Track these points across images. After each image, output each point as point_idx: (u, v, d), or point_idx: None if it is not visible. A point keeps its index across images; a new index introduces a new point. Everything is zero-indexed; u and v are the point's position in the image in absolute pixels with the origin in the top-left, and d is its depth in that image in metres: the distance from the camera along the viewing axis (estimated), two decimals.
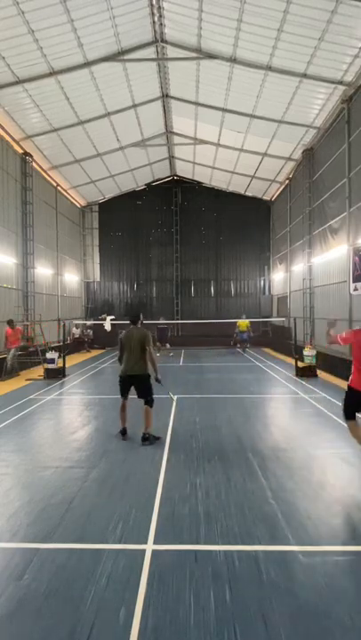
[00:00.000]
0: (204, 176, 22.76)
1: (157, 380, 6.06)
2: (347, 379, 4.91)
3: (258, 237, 24.03)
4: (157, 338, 17.18)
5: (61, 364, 12.31)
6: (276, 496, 4.20)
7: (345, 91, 12.10)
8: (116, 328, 21.97)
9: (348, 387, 4.80)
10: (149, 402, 6.00)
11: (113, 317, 22.36)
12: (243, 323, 19.04)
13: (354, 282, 11.78)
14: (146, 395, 6.00)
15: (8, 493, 4.38)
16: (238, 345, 19.53)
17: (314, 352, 12.06)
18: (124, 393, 6.15)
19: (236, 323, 19.23)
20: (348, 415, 4.84)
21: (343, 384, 10.55)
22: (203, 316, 23.32)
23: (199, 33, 11.75)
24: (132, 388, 6.15)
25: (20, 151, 15.68)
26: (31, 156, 16.04)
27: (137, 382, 5.99)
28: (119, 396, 6.21)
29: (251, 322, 19.31)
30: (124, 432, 6.17)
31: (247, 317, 19.69)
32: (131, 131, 17.41)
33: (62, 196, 20.50)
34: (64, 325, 14.39)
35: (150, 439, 5.90)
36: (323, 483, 4.56)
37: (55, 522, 3.73)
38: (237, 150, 18.08)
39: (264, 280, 24.40)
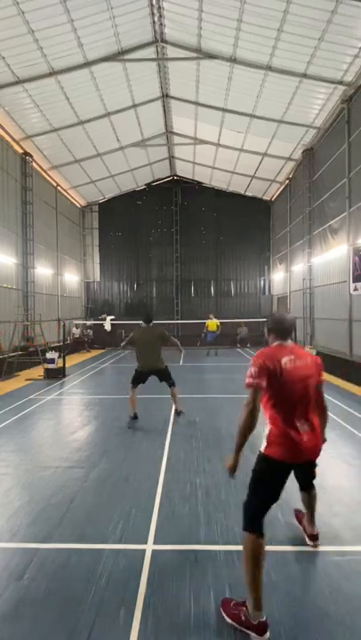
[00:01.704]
0: (204, 176, 22.76)
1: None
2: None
3: (258, 237, 24.03)
4: None
5: (61, 364, 12.31)
6: None
7: (345, 91, 12.10)
8: (115, 328, 22.02)
9: (268, 458, 2.67)
10: (173, 384, 6.95)
11: (113, 317, 22.41)
12: (212, 323, 17.96)
13: (354, 282, 11.78)
14: (169, 379, 6.90)
15: (8, 493, 4.38)
16: (207, 351, 18.05)
17: (314, 352, 12.06)
18: (138, 383, 6.87)
19: (205, 323, 18.22)
20: (258, 522, 2.60)
21: (343, 384, 10.58)
22: (203, 316, 23.29)
23: (199, 33, 11.75)
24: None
25: (20, 151, 15.69)
26: (31, 155, 16.05)
27: (158, 373, 6.87)
28: (119, 395, 6.24)
29: (221, 322, 18.12)
30: (135, 417, 6.83)
31: (249, 319, 19.16)
32: (131, 131, 17.41)
33: (62, 196, 20.50)
34: (64, 325, 14.40)
35: (181, 413, 7.13)
36: (323, 483, 4.55)
37: (55, 522, 3.73)
38: (237, 150, 18.09)
39: (264, 280, 24.40)
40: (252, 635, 2.40)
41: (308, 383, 2.68)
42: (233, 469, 2.72)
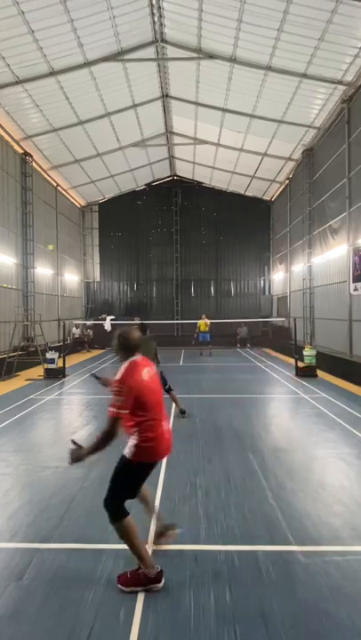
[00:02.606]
0: (204, 176, 22.76)
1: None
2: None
3: (258, 237, 24.03)
4: None
5: (61, 364, 12.31)
6: (276, 496, 4.20)
7: (345, 91, 12.10)
8: (115, 328, 21.98)
9: (140, 464, 2.91)
10: (170, 388, 7.18)
11: (113, 317, 22.40)
12: (202, 323, 17.63)
13: (354, 282, 11.78)
14: (165, 384, 6.97)
15: (8, 493, 4.37)
16: (201, 351, 17.96)
17: (314, 352, 12.06)
18: None
19: (196, 324, 17.94)
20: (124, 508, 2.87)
21: (343, 384, 10.58)
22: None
23: (199, 33, 11.74)
24: None
25: (20, 151, 15.68)
26: (31, 155, 16.05)
27: None
28: None
29: (210, 321, 17.92)
30: None
31: (249, 318, 19.00)
32: (131, 131, 17.41)
33: (62, 196, 20.50)
34: (64, 325, 14.39)
35: (185, 412, 7.40)
36: (323, 483, 4.55)
37: (55, 522, 3.73)
38: (237, 150, 18.09)
39: (264, 280, 24.40)
40: (153, 586, 2.81)
41: (160, 388, 3.08)
42: (77, 462, 2.96)
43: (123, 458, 2.93)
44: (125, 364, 2.88)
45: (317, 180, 15.41)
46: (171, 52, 13.06)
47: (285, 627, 2.47)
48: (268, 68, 12.13)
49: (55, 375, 12.01)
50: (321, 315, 15.31)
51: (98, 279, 24.63)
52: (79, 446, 2.94)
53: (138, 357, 2.97)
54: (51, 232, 19.00)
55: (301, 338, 15.98)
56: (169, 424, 3.10)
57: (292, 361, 12.88)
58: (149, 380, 2.92)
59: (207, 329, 17.69)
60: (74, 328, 21.16)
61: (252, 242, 24.07)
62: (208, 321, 17.85)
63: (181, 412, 7.41)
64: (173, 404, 7.65)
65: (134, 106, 15.70)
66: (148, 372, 2.94)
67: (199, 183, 23.71)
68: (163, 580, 2.84)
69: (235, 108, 14.93)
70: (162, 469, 4.94)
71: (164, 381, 7.16)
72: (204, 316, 18.44)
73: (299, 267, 17.86)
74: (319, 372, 11.94)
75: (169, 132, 18.72)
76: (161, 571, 2.86)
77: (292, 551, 3.24)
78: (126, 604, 2.67)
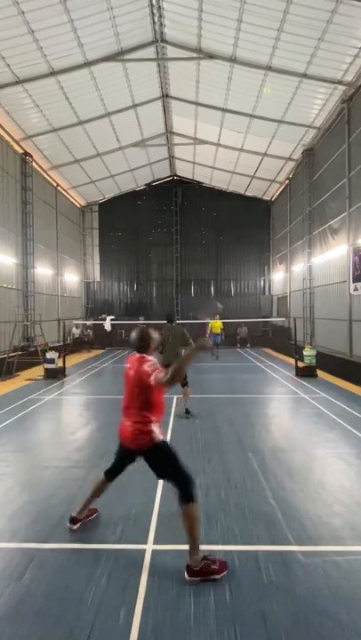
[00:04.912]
0: (204, 176, 22.76)
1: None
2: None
3: (258, 237, 24.03)
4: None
5: (61, 364, 12.31)
6: (276, 496, 4.20)
7: (345, 91, 12.10)
8: (115, 328, 22.01)
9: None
10: (186, 383, 7.32)
11: (113, 317, 22.40)
12: (216, 324, 16.08)
13: (354, 282, 11.78)
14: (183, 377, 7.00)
15: (8, 493, 4.37)
16: (212, 352, 16.37)
17: (314, 352, 12.05)
18: None
19: (208, 324, 15.76)
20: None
21: (343, 384, 10.59)
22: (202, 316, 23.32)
23: (199, 33, 11.74)
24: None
25: (20, 151, 15.69)
26: (31, 155, 16.05)
27: None
28: (119, 396, 6.26)
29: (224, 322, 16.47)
30: None
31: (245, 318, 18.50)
32: (131, 131, 17.41)
33: (62, 196, 20.50)
34: (64, 325, 14.40)
35: (191, 412, 7.38)
36: (323, 483, 4.56)
37: (55, 522, 3.73)
38: (237, 150, 18.09)
39: (264, 280, 24.40)
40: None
41: (131, 385, 3.29)
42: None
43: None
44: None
45: (317, 179, 15.41)
46: (171, 52, 13.06)
47: (285, 627, 2.48)
48: (268, 68, 12.13)
49: (55, 375, 12.01)
50: (321, 315, 15.31)
51: (98, 279, 24.63)
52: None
53: (133, 353, 3.41)
54: (51, 232, 19.01)
55: (301, 338, 15.98)
56: (129, 421, 3.38)
57: (292, 361, 12.88)
58: (125, 374, 3.41)
59: (219, 331, 16.23)
60: (74, 328, 21.17)
61: (252, 242, 24.07)
62: (221, 322, 16.43)
63: (186, 412, 7.40)
64: (174, 402, 7.67)
65: (134, 106, 15.70)
66: (127, 368, 3.40)
67: (199, 183, 23.71)
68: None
69: (235, 108, 14.93)
70: None
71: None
72: (218, 316, 16.65)
73: (299, 267, 17.86)
74: (319, 372, 11.94)
75: (169, 132, 18.72)
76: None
77: (292, 551, 3.24)
78: (126, 604, 2.67)
